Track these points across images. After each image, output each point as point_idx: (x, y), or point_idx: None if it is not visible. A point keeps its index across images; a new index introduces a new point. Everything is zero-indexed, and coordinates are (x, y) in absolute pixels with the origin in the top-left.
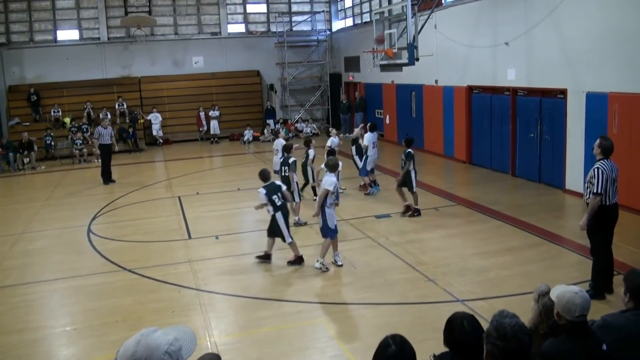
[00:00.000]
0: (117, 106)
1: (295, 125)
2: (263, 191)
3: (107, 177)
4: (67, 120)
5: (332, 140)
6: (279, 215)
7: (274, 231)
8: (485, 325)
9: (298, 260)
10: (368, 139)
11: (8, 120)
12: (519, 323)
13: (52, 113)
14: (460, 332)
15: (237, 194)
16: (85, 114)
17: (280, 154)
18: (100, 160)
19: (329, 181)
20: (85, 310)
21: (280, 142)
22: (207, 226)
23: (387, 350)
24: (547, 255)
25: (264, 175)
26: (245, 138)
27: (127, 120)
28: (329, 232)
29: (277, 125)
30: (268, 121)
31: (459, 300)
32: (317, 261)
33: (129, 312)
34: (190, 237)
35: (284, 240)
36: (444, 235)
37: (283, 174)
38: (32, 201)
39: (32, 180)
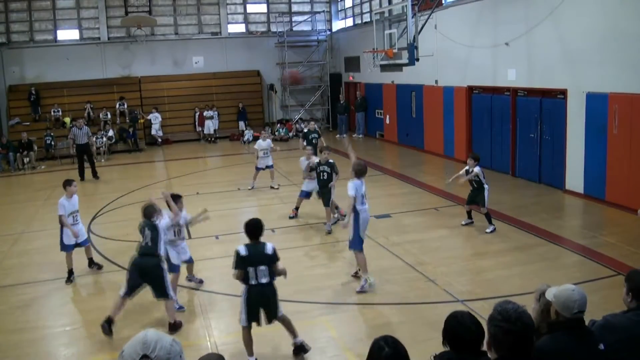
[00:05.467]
0: (117, 106)
1: (295, 125)
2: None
3: (84, 175)
4: (67, 120)
5: (259, 144)
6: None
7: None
8: (485, 327)
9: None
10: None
11: (8, 119)
12: (522, 308)
13: (52, 113)
14: (460, 327)
15: (237, 193)
16: (85, 114)
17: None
18: (77, 160)
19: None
20: (85, 310)
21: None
22: (207, 226)
23: (381, 353)
24: (548, 255)
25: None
26: (245, 138)
27: (128, 120)
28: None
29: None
30: (240, 122)
31: (459, 300)
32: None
33: (129, 312)
34: (190, 237)
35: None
36: (444, 236)
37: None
38: (32, 201)
39: (32, 180)
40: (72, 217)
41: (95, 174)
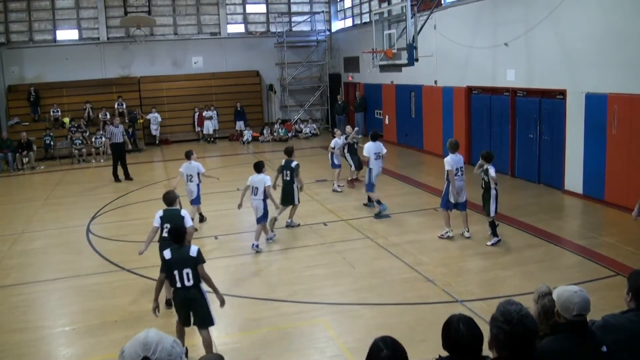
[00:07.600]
0: (116, 106)
1: (295, 126)
2: (159, 213)
3: (118, 175)
4: (67, 120)
5: (336, 142)
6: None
7: None
8: (484, 327)
9: None
10: (368, 149)
11: (7, 119)
12: (525, 310)
13: (52, 113)
14: (456, 334)
15: (236, 194)
16: (85, 114)
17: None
18: (112, 160)
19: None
20: (85, 310)
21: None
22: (206, 226)
23: (380, 354)
24: (547, 256)
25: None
26: (245, 138)
27: (127, 120)
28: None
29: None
30: (238, 122)
31: (458, 300)
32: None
33: (128, 312)
34: None
35: None
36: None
37: (285, 178)
38: (32, 201)
39: (31, 180)
40: (188, 178)
41: (128, 175)
